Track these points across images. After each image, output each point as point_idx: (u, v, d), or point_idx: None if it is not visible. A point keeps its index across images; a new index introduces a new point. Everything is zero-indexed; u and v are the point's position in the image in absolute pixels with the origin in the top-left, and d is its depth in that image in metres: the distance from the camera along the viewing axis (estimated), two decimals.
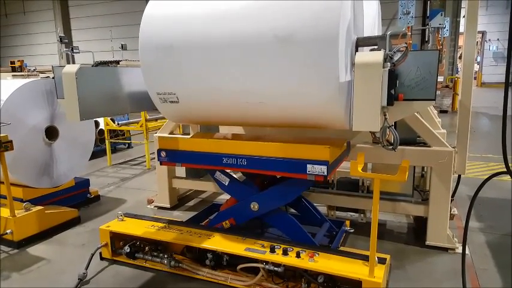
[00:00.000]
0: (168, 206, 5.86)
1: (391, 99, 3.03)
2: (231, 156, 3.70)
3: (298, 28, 3.09)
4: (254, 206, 3.97)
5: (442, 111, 15.01)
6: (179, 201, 6.10)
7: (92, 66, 4.13)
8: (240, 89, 3.45)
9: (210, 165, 3.89)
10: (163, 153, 4.00)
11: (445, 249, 4.30)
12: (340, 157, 3.81)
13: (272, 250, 3.57)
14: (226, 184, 4.11)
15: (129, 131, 9.92)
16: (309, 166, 3.37)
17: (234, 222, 4.17)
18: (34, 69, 17.50)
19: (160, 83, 3.73)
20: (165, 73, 3.67)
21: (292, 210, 4.68)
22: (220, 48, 3.38)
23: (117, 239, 4.28)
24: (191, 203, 6.17)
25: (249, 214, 4.05)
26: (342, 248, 4.10)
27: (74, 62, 23.18)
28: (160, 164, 4.09)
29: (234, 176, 4.25)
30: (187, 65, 3.55)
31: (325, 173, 3.32)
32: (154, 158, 6.40)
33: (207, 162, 3.85)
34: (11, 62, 23.35)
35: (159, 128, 5.98)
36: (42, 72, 15.27)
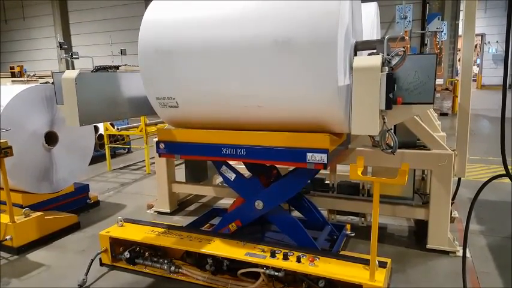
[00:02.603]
0: (168, 210, 5.85)
1: (390, 103, 3.03)
2: (230, 146, 3.66)
3: (297, 32, 3.09)
4: (258, 204, 3.96)
5: (442, 114, 15.02)
6: (179, 206, 6.09)
7: (92, 71, 4.13)
8: (239, 94, 3.45)
9: (209, 156, 3.86)
10: (161, 145, 3.96)
11: (446, 253, 4.29)
12: (340, 147, 3.80)
13: (272, 255, 3.55)
14: (232, 179, 4.09)
15: (128, 135, 9.92)
16: (308, 155, 3.34)
17: (240, 223, 4.16)
18: (33, 75, 17.56)
19: (160, 88, 3.74)
20: (165, 78, 3.67)
21: (297, 214, 4.67)
22: (219, 52, 3.39)
23: (117, 245, 4.26)
24: (191, 208, 6.16)
25: (254, 214, 4.04)
26: (342, 252, 4.09)
27: (73, 67, 23.27)
28: (159, 156, 4.06)
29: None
30: (186, 69, 3.55)
31: (325, 161, 3.29)
32: (154, 163, 6.40)
33: (206, 153, 3.81)
34: (10, 67, 23.44)
35: None
36: (41, 78, 15.32)
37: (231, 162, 4.17)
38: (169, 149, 3.95)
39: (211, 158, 3.97)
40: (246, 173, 4.41)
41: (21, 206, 5.02)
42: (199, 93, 3.61)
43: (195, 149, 3.84)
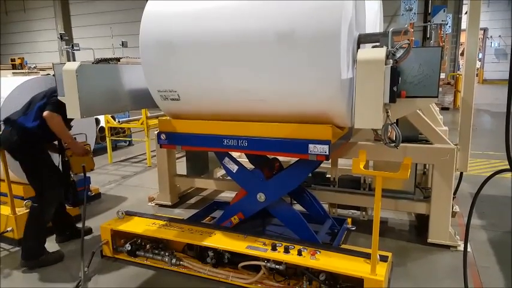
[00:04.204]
0: (169, 203, 5.85)
1: (394, 96, 3.01)
2: (232, 137, 3.65)
3: (299, 25, 3.07)
4: (261, 196, 3.95)
5: (444, 108, 14.97)
6: (180, 199, 6.09)
7: (93, 63, 4.11)
8: (241, 87, 3.43)
9: (211, 147, 3.85)
10: (163, 136, 3.95)
11: (447, 247, 4.29)
12: (342, 140, 3.79)
13: (273, 248, 3.56)
14: (234, 171, 4.07)
15: (129, 128, 9.91)
16: (310, 146, 3.33)
17: (243, 216, 4.16)
18: (34, 67, 17.51)
19: (161, 81, 3.72)
20: (166, 70, 3.65)
21: (298, 207, 4.67)
22: (221, 45, 3.36)
23: (118, 237, 4.28)
24: (192, 201, 6.16)
25: (256, 206, 4.03)
26: (343, 246, 4.09)
27: (74, 60, 23.15)
28: (161, 147, 4.05)
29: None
30: (188, 62, 3.53)
31: (327, 153, 3.28)
32: (155, 156, 6.40)
33: (207, 144, 3.80)
34: (11, 59, 23.34)
35: None
36: (42, 70, 15.27)
37: (234, 155, 4.15)
38: (171, 140, 3.94)
39: (213, 149, 3.96)
40: (249, 166, 4.40)
41: (22, 198, 5.01)
42: (201, 87, 3.59)
43: (197, 140, 3.82)
